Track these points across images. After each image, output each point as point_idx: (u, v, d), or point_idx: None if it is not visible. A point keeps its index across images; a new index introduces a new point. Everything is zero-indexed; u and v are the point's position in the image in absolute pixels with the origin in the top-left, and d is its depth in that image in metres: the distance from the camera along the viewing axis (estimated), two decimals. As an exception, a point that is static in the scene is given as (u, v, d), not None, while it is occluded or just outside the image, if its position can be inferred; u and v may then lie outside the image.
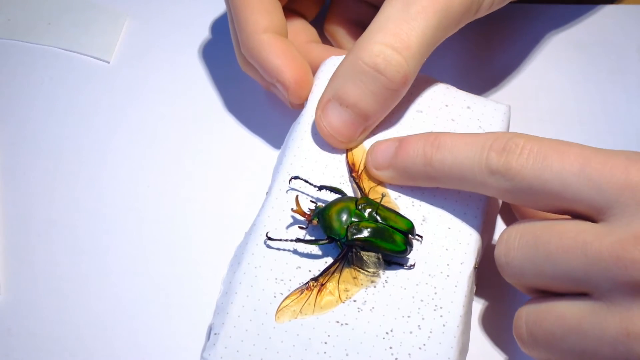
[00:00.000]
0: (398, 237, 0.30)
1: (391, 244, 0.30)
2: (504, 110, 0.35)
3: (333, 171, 0.32)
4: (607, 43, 0.44)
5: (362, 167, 0.33)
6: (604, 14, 0.45)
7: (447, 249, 0.31)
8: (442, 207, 0.32)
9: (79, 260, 0.36)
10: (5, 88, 0.42)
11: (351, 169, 0.32)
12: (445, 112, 0.34)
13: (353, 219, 0.30)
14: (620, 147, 0.39)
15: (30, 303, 0.35)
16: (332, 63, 0.35)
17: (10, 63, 0.43)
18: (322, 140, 0.33)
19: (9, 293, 0.36)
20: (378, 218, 0.31)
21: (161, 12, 0.45)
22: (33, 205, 0.38)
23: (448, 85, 0.35)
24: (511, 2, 0.43)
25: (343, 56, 0.33)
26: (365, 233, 0.30)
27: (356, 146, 0.33)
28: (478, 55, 0.44)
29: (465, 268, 0.31)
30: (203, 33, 0.44)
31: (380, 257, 0.30)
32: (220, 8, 0.45)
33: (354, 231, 0.30)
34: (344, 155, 0.33)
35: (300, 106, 0.35)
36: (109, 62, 0.43)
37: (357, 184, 0.32)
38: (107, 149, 0.40)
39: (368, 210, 0.31)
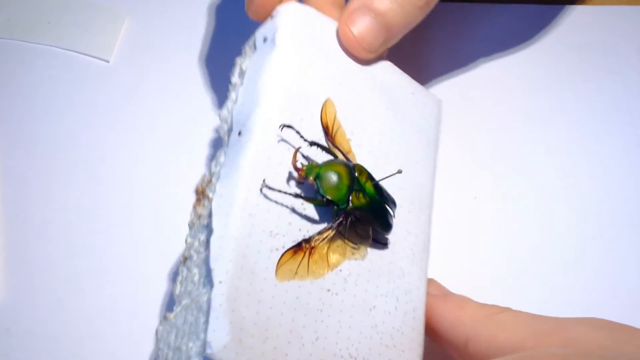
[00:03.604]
0: (387, 214, 0.30)
1: (382, 220, 0.30)
2: (438, 102, 0.37)
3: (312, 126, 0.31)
4: (608, 44, 0.44)
5: (335, 130, 0.32)
6: (604, 15, 0.45)
7: (409, 232, 0.32)
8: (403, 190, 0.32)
9: (78, 260, 0.36)
10: (5, 88, 0.42)
11: (326, 130, 0.31)
12: (395, 92, 0.35)
13: (355, 188, 0.29)
14: (620, 148, 0.39)
15: (29, 303, 0.35)
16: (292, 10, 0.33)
17: (10, 63, 0.43)
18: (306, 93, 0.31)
19: (8, 293, 0.36)
20: (375, 190, 0.30)
21: (161, 11, 0.45)
22: (32, 205, 0.38)
23: (396, 68, 0.36)
24: (511, 3, 0.43)
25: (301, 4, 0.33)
26: (366, 205, 0.29)
27: (372, 58, 0.34)
28: (477, 55, 0.44)
29: (426, 255, 0.32)
30: (202, 33, 0.44)
31: (370, 231, 0.30)
32: (219, 8, 0.45)
33: (356, 201, 0.29)
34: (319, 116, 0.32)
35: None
36: (108, 62, 0.43)
37: (335, 147, 0.31)
38: (106, 149, 0.40)
39: (365, 181, 0.30)
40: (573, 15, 0.45)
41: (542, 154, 0.40)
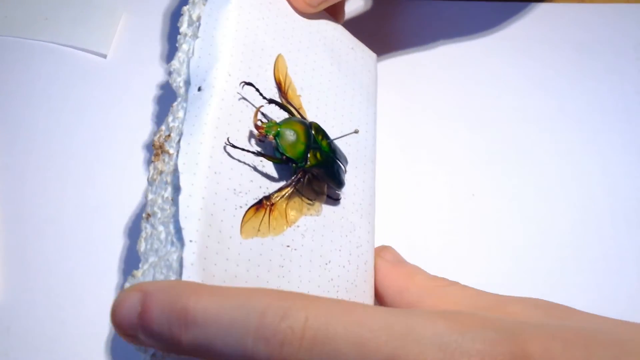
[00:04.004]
0: (341, 171, 0.31)
1: (336, 177, 0.31)
2: (374, 57, 0.38)
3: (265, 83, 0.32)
4: (605, 42, 0.43)
5: (287, 86, 0.32)
6: (602, 14, 0.45)
7: (357, 187, 0.33)
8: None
9: (77, 259, 0.36)
10: (2, 84, 0.42)
11: (279, 86, 0.32)
12: (337, 47, 0.36)
13: (312, 146, 0.30)
14: (618, 146, 0.39)
15: (29, 302, 0.35)
16: None
17: (7, 59, 0.43)
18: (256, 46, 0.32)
19: (8, 293, 0.36)
20: (330, 148, 0.31)
21: (158, 6, 0.45)
22: (31, 204, 0.38)
23: (336, 23, 0.37)
24: (510, 2, 0.43)
25: None
26: (322, 163, 0.30)
27: (312, 12, 0.34)
28: (477, 54, 0.43)
29: (372, 209, 0.32)
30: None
31: (325, 188, 0.31)
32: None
33: (313, 159, 0.30)
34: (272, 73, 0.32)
35: None
36: (105, 57, 0.43)
37: (288, 103, 0.31)
38: (104, 145, 0.40)
39: (321, 139, 0.30)
40: (571, 13, 0.45)
41: (540, 152, 0.40)
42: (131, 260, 0.37)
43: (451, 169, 0.40)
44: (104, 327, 0.35)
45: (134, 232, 0.37)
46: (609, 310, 0.36)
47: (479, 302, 0.28)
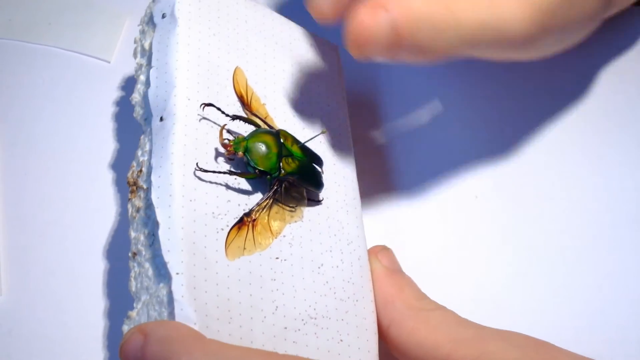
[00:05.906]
0: (317, 173, 0.31)
1: (313, 180, 0.31)
2: (335, 48, 0.37)
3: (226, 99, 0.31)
4: (608, 44, 0.44)
5: (249, 97, 0.32)
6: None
7: (338, 184, 0.32)
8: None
9: (80, 261, 0.37)
10: (5, 88, 0.42)
11: (241, 99, 0.31)
12: (295, 47, 0.35)
13: (284, 154, 0.30)
14: (621, 148, 0.39)
15: (31, 304, 0.36)
16: None
17: (11, 63, 0.43)
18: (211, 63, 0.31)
19: (10, 294, 0.36)
20: (302, 152, 0.31)
21: (161, 12, 0.45)
22: (34, 205, 0.38)
23: (290, 22, 0.36)
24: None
25: None
26: (297, 169, 0.30)
27: (329, 18, 0.30)
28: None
29: (358, 203, 0.32)
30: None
31: (304, 192, 0.30)
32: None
33: (287, 167, 0.30)
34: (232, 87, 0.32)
35: None
36: (109, 62, 0.43)
37: (253, 114, 0.31)
38: (107, 149, 0.40)
39: (291, 145, 0.30)
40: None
41: (543, 154, 0.40)
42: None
43: (453, 170, 0.40)
44: (105, 330, 0.35)
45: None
46: (612, 312, 0.36)
47: (458, 334, 0.28)
